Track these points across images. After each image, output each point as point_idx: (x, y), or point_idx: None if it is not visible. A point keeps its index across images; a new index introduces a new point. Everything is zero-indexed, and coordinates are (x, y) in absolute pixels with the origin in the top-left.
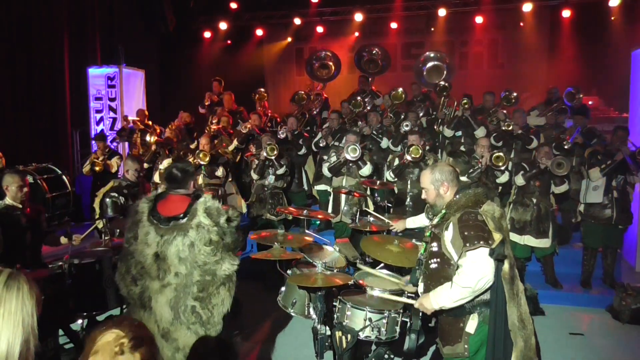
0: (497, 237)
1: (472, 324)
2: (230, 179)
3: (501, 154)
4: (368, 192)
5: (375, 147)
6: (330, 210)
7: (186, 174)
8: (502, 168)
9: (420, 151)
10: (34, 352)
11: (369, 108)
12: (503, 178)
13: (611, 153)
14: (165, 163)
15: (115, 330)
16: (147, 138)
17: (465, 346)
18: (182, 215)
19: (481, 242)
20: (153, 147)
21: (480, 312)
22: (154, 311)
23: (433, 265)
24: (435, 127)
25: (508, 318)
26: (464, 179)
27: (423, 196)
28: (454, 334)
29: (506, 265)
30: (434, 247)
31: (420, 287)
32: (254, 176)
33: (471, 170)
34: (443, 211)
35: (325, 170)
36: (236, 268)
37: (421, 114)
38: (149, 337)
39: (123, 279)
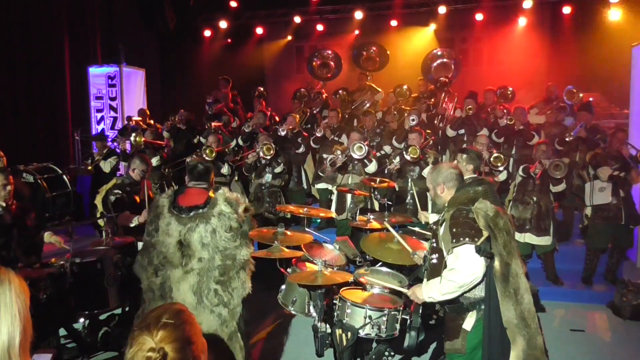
0: (485, 234)
1: (469, 322)
2: (236, 179)
3: (500, 155)
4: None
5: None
6: (334, 208)
7: (208, 169)
8: (501, 168)
9: (418, 151)
10: (31, 342)
11: (368, 105)
12: (501, 176)
13: (611, 155)
14: (153, 162)
15: (147, 337)
16: (132, 139)
17: (463, 342)
18: (202, 205)
19: (466, 239)
20: (139, 147)
21: (478, 310)
22: (175, 300)
23: (433, 261)
24: (435, 122)
25: (502, 315)
26: (473, 175)
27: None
28: (454, 330)
29: (497, 263)
30: (434, 242)
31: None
32: (247, 174)
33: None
34: (445, 208)
35: (329, 168)
36: (250, 253)
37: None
38: (183, 340)
39: (145, 270)
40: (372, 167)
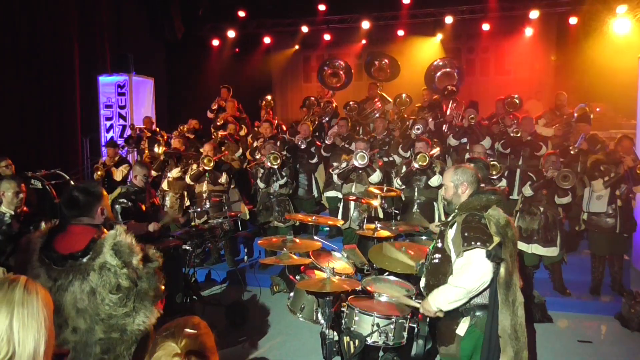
0: (496, 239)
1: (462, 327)
2: (233, 186)
3: (496, 163)
4: (378, 199)
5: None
6: (340, 216)
7: (91, 196)
8: (496, 177)
9: (427, 159)
10: (53, 351)
11: (377, 115)
12: (500, 185)
13: (614, 162)
14: (174, 172)
15: (172, 344)
16: (155, 149)
17: (457, 347)
18: (81, 252)
19: (478, 243)
20: (161, 157)
21: (472, 316)
22: None
23: (435, 260)
24: (444, 128)
25: (499, 323)
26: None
27: (442, 192)
28: (448, 336)
29: (502, 270)
30: (439, 243)
31: (422, 282)
32: (260, 185)
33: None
34: (456, 211)
35: (335, 177)
36: (154, 322)
37: (430, 120)
38: (206, 350)
39: None
40: (375, 177)
